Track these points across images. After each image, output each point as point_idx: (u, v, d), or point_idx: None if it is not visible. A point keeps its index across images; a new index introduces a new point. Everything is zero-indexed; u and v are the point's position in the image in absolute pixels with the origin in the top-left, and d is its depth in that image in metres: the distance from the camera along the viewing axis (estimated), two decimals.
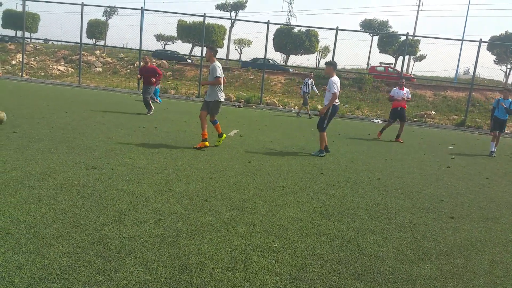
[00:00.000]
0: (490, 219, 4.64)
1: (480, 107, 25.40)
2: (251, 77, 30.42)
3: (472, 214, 4.76)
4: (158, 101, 17.35)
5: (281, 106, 22.77)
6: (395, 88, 12.05)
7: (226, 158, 6.52)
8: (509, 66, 39.14)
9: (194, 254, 2.94)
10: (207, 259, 2.89)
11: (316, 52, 38.65)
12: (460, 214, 4.70)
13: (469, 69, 40.60)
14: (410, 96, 11.98)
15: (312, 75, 18.39)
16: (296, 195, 4.78)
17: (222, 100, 7.53)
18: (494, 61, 39.37)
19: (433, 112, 23.14)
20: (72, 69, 29.40)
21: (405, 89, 11.85)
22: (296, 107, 22.96)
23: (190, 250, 2.99)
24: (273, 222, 3.79)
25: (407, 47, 26.05)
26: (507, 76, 38.85)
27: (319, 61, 41.13)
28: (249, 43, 42.08)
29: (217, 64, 7.25)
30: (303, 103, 17.71)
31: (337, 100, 7.74)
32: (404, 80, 12.43)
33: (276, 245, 3.27)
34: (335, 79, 7.64)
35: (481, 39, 21.38)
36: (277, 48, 35.76)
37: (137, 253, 2.86)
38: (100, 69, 31.19)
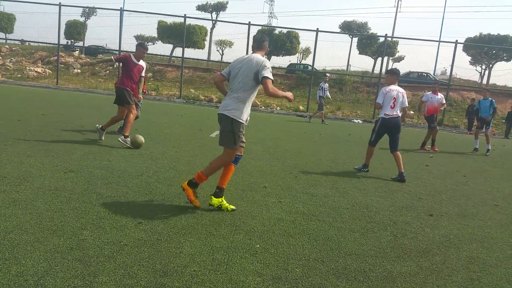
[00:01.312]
0: (468, 216, 4.74)
1: (457, 107, 25.97)
2: None
3: (450, 212, 4.85)
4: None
5: (263, 107, 22.81)
6: (428, 93, 11.11)
7: (208, 160, 6.47)
8: (483, 67, 40.10)
9: (176, 257, 2.91)
10: (188, 261, 2.86)
11: (297, 54, 38.84)
12: (438, 212, 4.78)
13: (446, 69, 41.42)
14: (444, 102, 10.94)
15: (328, 79, 17.37)
16: (278, 196, 4.79)
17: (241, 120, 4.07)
18: (469, 62, 40.27)
19: (412, 112, 23.53)
20: (50, 71, 28.83)
21: (439, 94, 10.91)
22: (278, 108, 23.03)
23: (171, 253, 2.96)
24: (255, 223, 3.78)
25: (385, 48, 26.46)
26: (482, 77, 39.79)
27: (300, 62, 41.33)
28: (230, 44, 41.98)
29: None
30: (318, 108, 16.84)
31: (389, 112, 6.59)
32: (437, 84, 11.61)
33: (258, 245, 3.27)
34: (391, 87, 6.61)
35: (457, 41, 21.94)
36: None
37: (116, 257, 2.81)
38: (79, 71, 30.68)
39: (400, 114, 6.66)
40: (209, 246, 3.16)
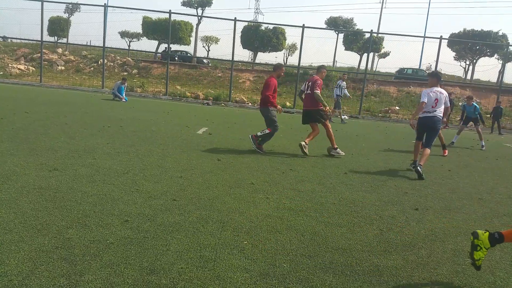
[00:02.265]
0: (452, 209, 4.81)
1: None
2: (220, 74, 30.30)
3: (435, 206, 4.92)
4: (124, 100, 17.01)
5: (250, 104, 22.79)
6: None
7: (195, 157, 6.46)
8: (468, 62, 40.69)
9: (163, 255, 2.89)
10: (176, 259, 2.85)
11: (284, 50, 38.87)
12: (424, 206, 4.84)
13: (431, 65, 41.85)
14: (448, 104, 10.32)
15: (345, 77, 16.64)
16: (265, 192, 4.80)
17: None
18: (454, 57, 40.83)
19: (397, 108, 23.80)
20: (33, 68, 28.36)
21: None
22: None
23: (158, 251, 2.95)
24: (243, 219, 3.78)
25: (371, 44, 26.64)
26: (466, 72, 40.40)
27: (286, 59, 41.42)
28: (216, 40, 41.80)
29: None
30: (335, 106, 16.36)
31: (430, 110, 6.72)
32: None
33: (246, 242, 3.27)
34: (432, 89, 6.80)
35: (441, 36, 22.13)
36: (245, 45, 35.74)
37: (102, 255, 2.79)
38: (63, 68, 30.24)
39: (441, 115, 6.86)
40: (197, 243, 3.15)
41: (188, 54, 36.48)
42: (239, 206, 4.17)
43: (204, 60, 34.67)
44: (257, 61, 37.81)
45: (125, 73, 29.07)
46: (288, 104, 23.27)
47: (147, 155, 6.20)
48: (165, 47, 36.44)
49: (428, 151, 6.83)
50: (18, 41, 35.59)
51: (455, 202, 5.19)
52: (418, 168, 6.47)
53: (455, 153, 10.11)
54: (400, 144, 10.70)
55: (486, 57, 39.01)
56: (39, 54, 26.48)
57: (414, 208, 4.71)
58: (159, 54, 35.81)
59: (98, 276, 2.52)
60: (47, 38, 34.53)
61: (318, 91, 7.42)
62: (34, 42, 28.19)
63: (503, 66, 26.87)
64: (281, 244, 3.29)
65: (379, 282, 2.81)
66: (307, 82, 7.84)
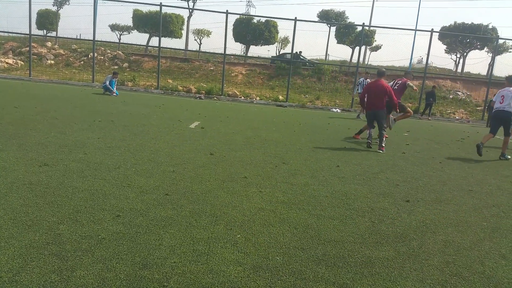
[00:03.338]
0: (443, 201, 4.86)
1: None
2: (212, 68, 30.16)
3: (426, 197, 4.96)
4: (115, 94, 16.87)
5: (242, 97, 22.74)
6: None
7: (188, 151, 6.44)
8: (458, 55, 40.84)
9: (155, 249, 2.89)
10: (168, 253, 2.85)
11: (276, 43, 38.69)
12: (415, 198, 4.88)
13: (422, 58, 41.96)
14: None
15: (369, 75, 16.11)
16: (258, 186, 4.80)
17: None
18: (445, 50, 40.87)
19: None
20: (22, 62, 27.99)
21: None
22: (258, 98, 22.98)
23: (151, 246, 2.94)
24: (236, 213, 3.78)
25: (363, 37, 26.64)
26: (457, 65, 40.54)
27: (279, 52, 41.23)
28: (208, 33, 41.45)
29: None
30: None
31: (497, 107, 8.47)
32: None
33: (239, 235, 3.27)
34: (503, 89, 8.52)
35: (432, 29, 22.22)
36: (237, 38, 35.52)
37: (94, 251, 2.77)
38: (52, 62, 29.88)
39: (510, 108, 8.30)
40: (190, 237, 3.15)
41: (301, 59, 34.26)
42: (232, 200, 4.17)
43: (307, 63, 33.37)
44: (249, 54, 37.67)
45: (116, 67, 28.81)
46: (281, 97, 23.25)
47: (138, 150, 6.16)
48: (298, 51, 34.07)
49: (507, 138, 8.55)
50: (6, 34, 34.97)
51: (445, 193, 5.24)
52: (504, 156, 8.45)
53: (446, 145, 10.19)
54: (391, 137, 10.75)
55: (477, 50, 39.18)
56: (27, 48, 26.09)
57: (405, 200, 4.75)
58: (265, 60, 31.62)
59: (90, 271, 2.50)
60: (35, 31, 34.07)
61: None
62: (22, 35, 27.78)
63: (493, 59, 27.07)
64: (274, 237, 3.30)
65: (371, 274, 2.83)
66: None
